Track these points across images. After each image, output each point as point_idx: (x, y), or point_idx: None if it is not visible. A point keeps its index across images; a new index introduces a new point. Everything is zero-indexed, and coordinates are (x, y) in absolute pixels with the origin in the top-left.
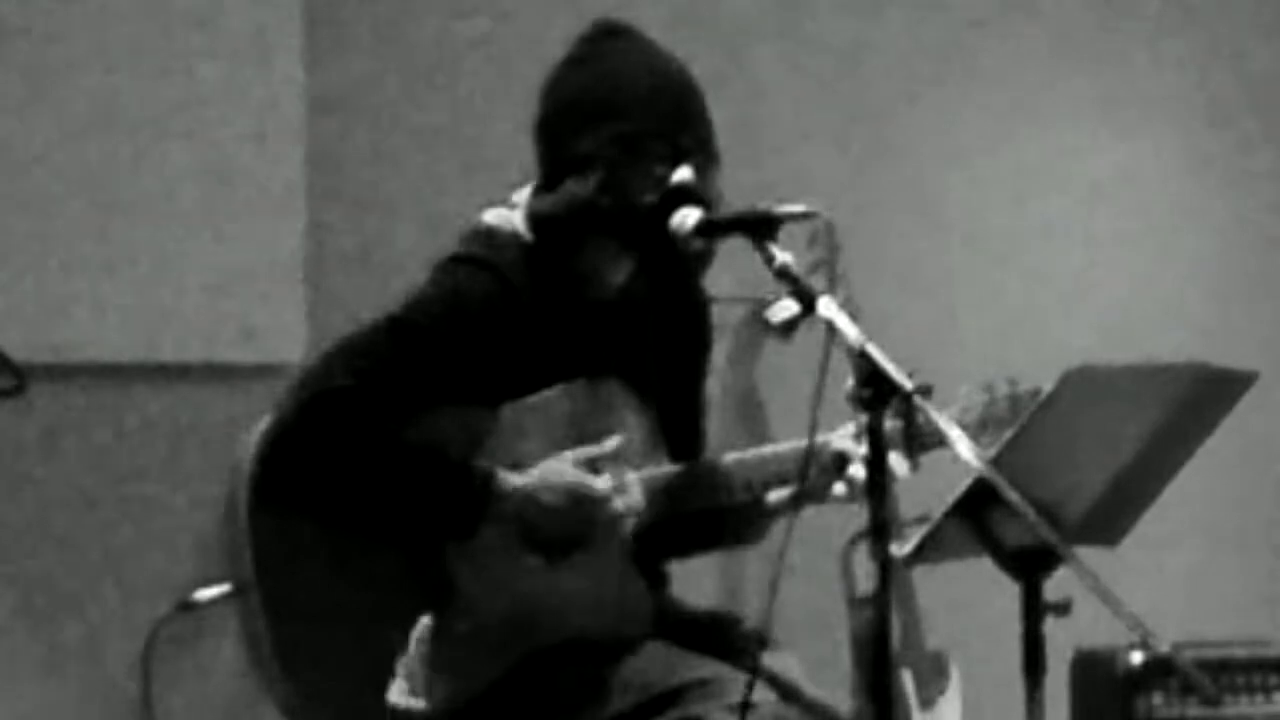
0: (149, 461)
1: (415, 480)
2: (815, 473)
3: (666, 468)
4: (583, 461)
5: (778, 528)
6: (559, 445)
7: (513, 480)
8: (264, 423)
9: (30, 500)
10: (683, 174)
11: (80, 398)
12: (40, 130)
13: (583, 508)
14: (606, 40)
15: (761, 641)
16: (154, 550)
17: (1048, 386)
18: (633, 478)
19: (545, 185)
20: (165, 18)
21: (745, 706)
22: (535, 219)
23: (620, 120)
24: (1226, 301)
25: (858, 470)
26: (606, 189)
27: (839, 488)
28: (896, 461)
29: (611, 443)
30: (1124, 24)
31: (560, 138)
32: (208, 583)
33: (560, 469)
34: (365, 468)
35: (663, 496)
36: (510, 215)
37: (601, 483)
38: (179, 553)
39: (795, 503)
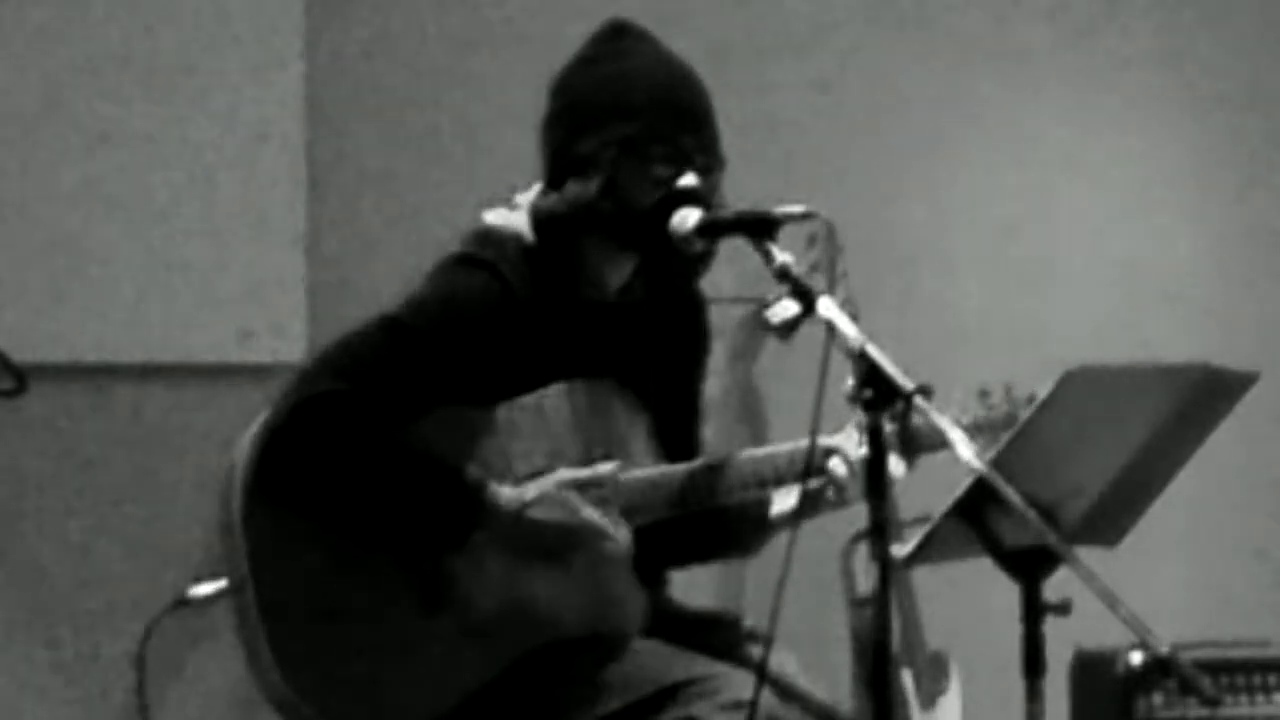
0: (149, 462)
1: (406, 487)
2: (814, 474)
3: (662, 468)
4: (574, 482)
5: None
6: (555, 446)
7: (505, 495)
8: (259, 422)
9: (30, 500)
10: (687, 180)
11: (80, 398)
12: (40, 132)
13: (574, 531)
14: (615, 41)
15: (765, 640)
16: (153, 550)
17: (1045, 390)
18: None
19: (549, 185)
20: (166, 18)
21: (752, 705)
22: (537, 218)
23: (623, 122)
24: (1226, 301)
25: (837, 465)
26: (608, 191)
27: (830, 492)
28: (893, 463)
29: (606, 468)
30: (1127, 22)
31: (564, 138)
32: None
33: (553, 491)
34: (356, 471)
35: (659, 496)
36: (512, 216)
37: (593, 512)
38: (178, 553)
39: (796, 514)
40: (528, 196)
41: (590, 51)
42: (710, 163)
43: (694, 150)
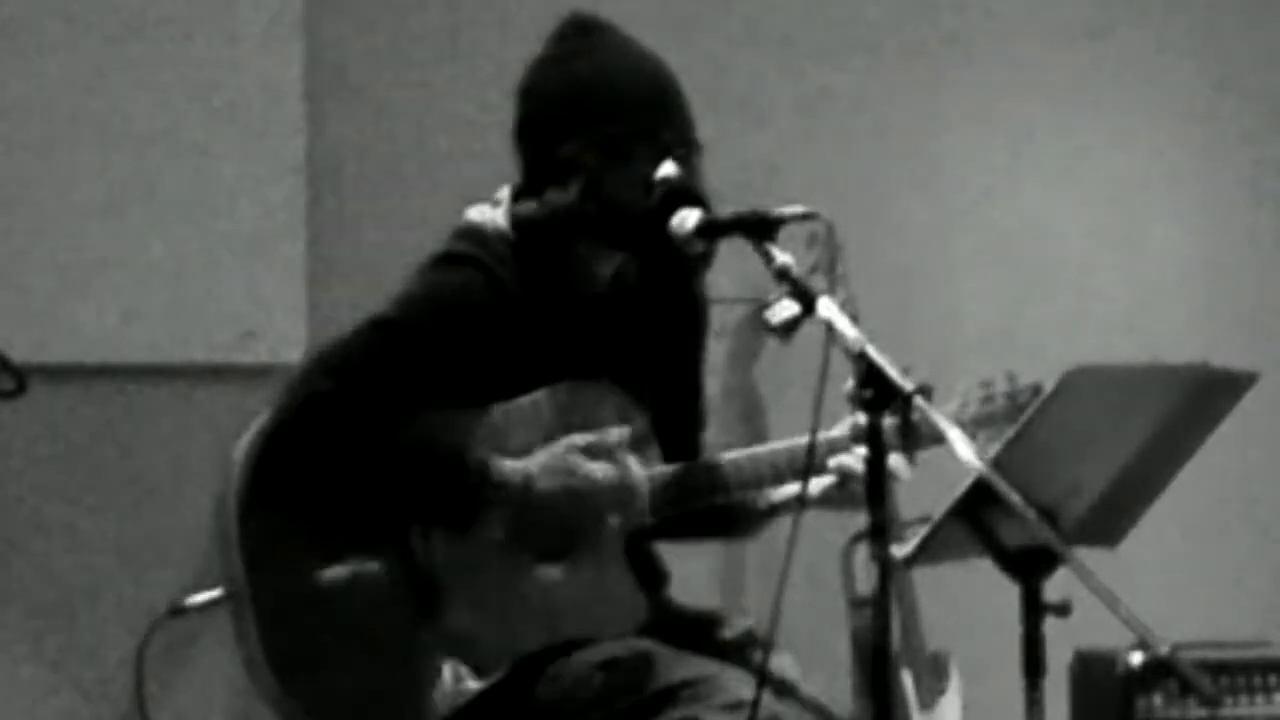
0: (149, 463)
1: (409, 474)
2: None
3: (661, 468)
4: (582, 447)
5: (778, 527)
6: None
7: (510, 465)
8: (255, 426)
9: (29, 501)
10: (666, 170)
11: (80, 398)
12: (39, 132)
13: (581, 492)
14: (578, 38)
15: (764, 644)
16: (153, 552)
17: (1048, 384)
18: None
19: (527, 189)
20: (165, 18)
21: (754, 706)
22: (518, 225)
23: (598, 124)
24: (1226, 301)
25: (849, 460)
26: (590, 195)
27: (828, 477)
28: (897, 462)
29: (615, 432)
30: (1127, 23)
31: (541, 144)
32: (205, 586)
33: (560, 454)
34: (354, 471)
35: (658, 497)
36: (494, 213)
37: (600, 469)
38: (178, 555)
39: (795, 506)
40: (506, 192)
41: (555, 51)
42: (688, 150)
43: (673, 141)
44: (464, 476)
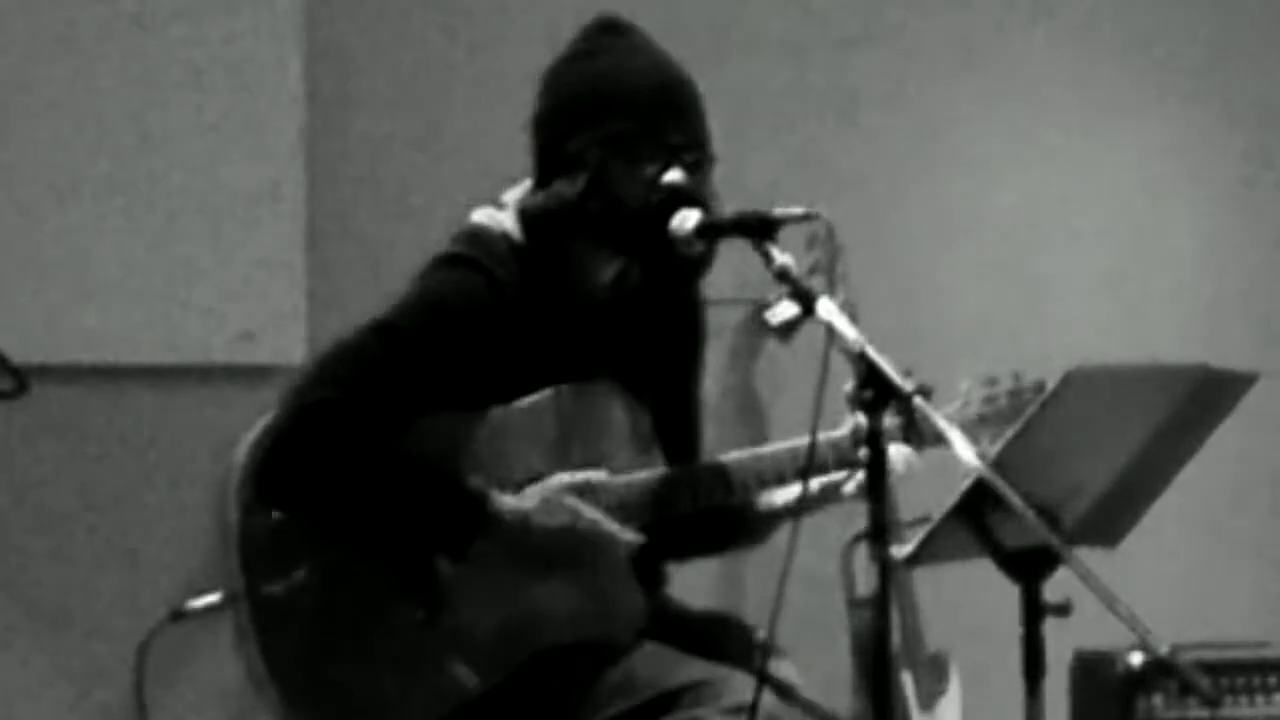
0: (149, 464)
1: (407, 496)
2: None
3: (661, 470)
4: (574, 487)
5: (779, 533)
6: (549, 450)
7: (507, 504)
8: (256, 431)
9: (29, 502)
10: (673, 175)
11: (80, 399)
12: (39, 132)
13: (579, 535)
14: (603, 37)
15: (765, 648)
16: (154, 554)
17: (1050, 383)
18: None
19: (538, 183)
20: (166, 17)
21: (753, 709)
22: (525, 217)
23: (610, 121)
24: (1227, 301)
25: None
26: (594, 191)
27: (850, 486)
28: (906, 454)
29: (597, 475)
30: (1124, 22)
31: (552, 136)
32: (205, 588)
33: (555, 497)
34: (355, 479)
35: (658, 499)
36: (499, 215)
37: (598, 514)
38: (178, 554)
39: (798, 507)
40: (514, 194)
41: (578, 48)
42: (699, 158)
43: (682, 146)
44: (461, 510)
